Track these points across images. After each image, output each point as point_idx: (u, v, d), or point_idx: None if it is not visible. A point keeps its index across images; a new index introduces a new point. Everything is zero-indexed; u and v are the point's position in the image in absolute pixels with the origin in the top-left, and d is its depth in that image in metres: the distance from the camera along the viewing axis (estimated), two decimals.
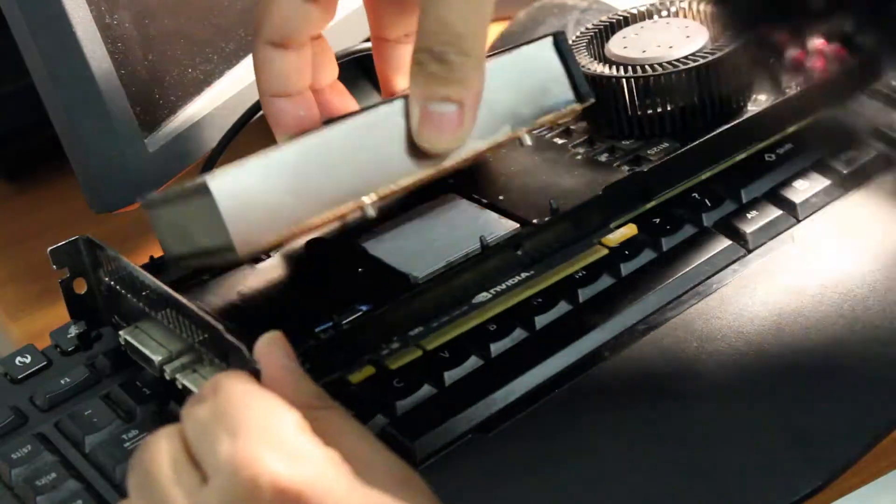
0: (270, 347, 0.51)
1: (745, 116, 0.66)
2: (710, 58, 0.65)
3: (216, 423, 0.48)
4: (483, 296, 0.61)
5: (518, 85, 0.60)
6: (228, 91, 0.72)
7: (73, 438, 0.60)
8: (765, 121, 0.66)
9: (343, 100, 0.66)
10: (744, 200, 0.66)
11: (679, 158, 0.64)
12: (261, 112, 0.67)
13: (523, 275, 0.61)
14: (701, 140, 0.65)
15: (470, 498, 0.55)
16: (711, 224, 0.65)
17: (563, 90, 0.61)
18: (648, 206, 0.64)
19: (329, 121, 0.65)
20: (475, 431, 0.58)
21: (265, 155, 0.55)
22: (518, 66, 0.61)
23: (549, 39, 0.61)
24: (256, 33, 0.62)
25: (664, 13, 0.70)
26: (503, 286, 0.61)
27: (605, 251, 0.62)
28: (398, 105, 0.58)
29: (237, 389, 0.49)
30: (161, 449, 0.48)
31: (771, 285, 0.62)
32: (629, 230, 0.63)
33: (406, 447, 0.56)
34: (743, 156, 0.66)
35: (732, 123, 0.65)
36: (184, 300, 0.56)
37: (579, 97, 0.62)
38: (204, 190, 0.55)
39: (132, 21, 0.67)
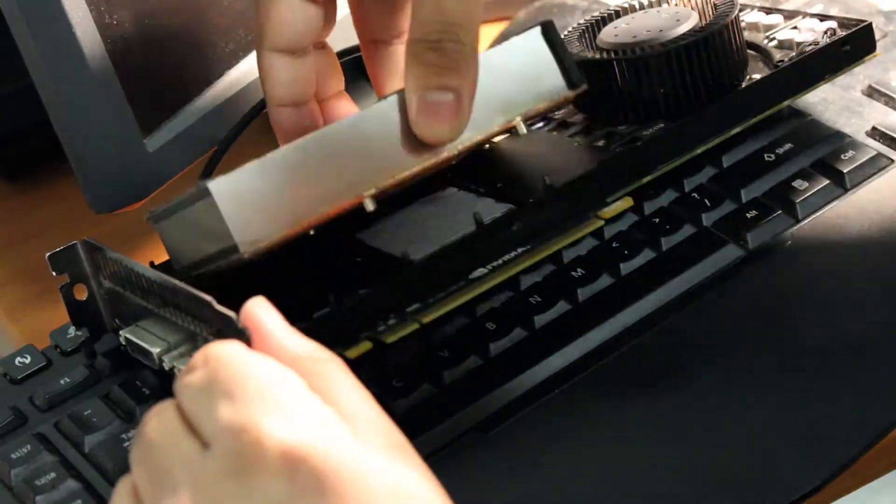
0: (257, 310, 0.51)
1: (735, 92, 0.66)
2: (700, 36, 0.65)
3: (211, 389, 0.47)
4: (480, 271, 0.61)
5: (510, 76, 0.61)
6: (228, 91, 0.72)
7: (72, 438, 0.60)
8: (754, 95, 0.66)
9: (349, 109, 0.66)
10: (743, 200, 0.66)
11: (673, 132, 0.64)
12: (263, 111, 0.67)
13: (520, 250, 0.61)
14: (695, 114, 0.64)
15: (470, 497, 0.55)
16: (711, 224, 0.65)
17: (554, 78, 0.62)
18: (645, 180, 0.64)
19: None
20: (475, 430, 0.58)
21: (263, 156, 0.56)
22: (509, 58, 0.61)
23: (538, 29, 0.62)
24: (259, 42, 0.62)
25: (655, 6, 0.70)
26: (500, 261, 0.61)
27: (601, 222, 0.62)
28: (393, 99, 0.58)
29: (228, 354, 0.48)
30: (157, 421, 0.48)
31: (770, 286, 0.62)
32: (625, 203, 0.63)
33: None
34: (737, 130, 0.65)
35: (722, 98, 0.65)
36: (176, 281, 0.56)
37: (571, 84, 0.62)
38: (204, 193, 0.55)
39: (132, 21, 0.67)
